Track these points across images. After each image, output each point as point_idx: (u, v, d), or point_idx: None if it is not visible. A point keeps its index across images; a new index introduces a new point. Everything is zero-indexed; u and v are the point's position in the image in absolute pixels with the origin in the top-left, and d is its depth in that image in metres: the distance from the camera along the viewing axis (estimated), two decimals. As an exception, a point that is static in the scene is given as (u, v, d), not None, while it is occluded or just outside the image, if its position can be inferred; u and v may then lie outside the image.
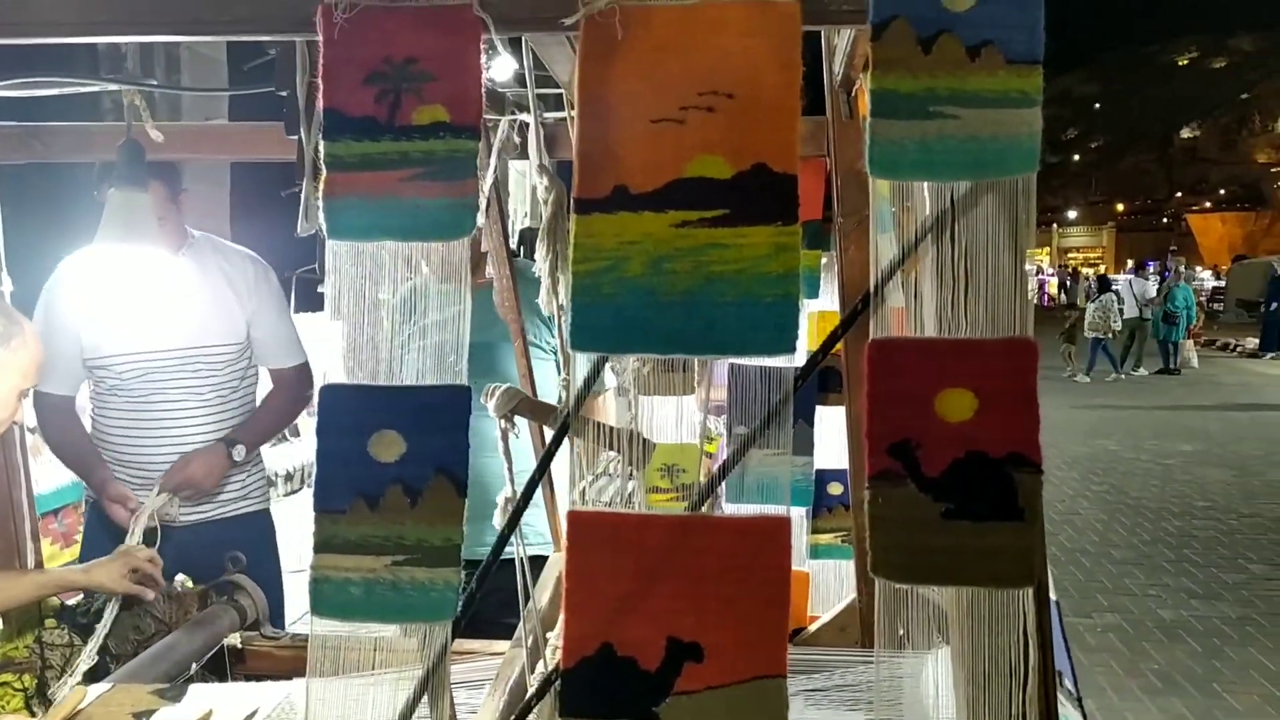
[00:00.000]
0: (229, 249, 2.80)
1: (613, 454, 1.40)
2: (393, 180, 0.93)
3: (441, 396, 0.94)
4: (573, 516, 0.90)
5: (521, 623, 1.56)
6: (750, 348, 0.88)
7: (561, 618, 0.89)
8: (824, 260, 2.38)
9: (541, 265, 1.38)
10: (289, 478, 4.62)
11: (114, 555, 2.10)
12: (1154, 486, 8.74)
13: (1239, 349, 20.70)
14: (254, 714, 1.73)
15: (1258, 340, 20.28)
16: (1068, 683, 1.23)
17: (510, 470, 1.66)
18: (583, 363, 1.19)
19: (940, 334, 0.92)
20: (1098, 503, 8.14)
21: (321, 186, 0.93)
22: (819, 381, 2.30)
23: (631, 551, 0.90)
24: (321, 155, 0.94)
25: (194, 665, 2.00)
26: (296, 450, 4.63)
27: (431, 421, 0.94)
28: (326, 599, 0.92)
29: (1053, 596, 1.05)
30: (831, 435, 2.34)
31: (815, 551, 2.37)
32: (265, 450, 4.23)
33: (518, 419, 1.63)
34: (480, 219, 1.84)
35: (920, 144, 0.87)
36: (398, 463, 0.93)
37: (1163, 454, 10.13)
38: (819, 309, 2.43)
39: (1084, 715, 1.09)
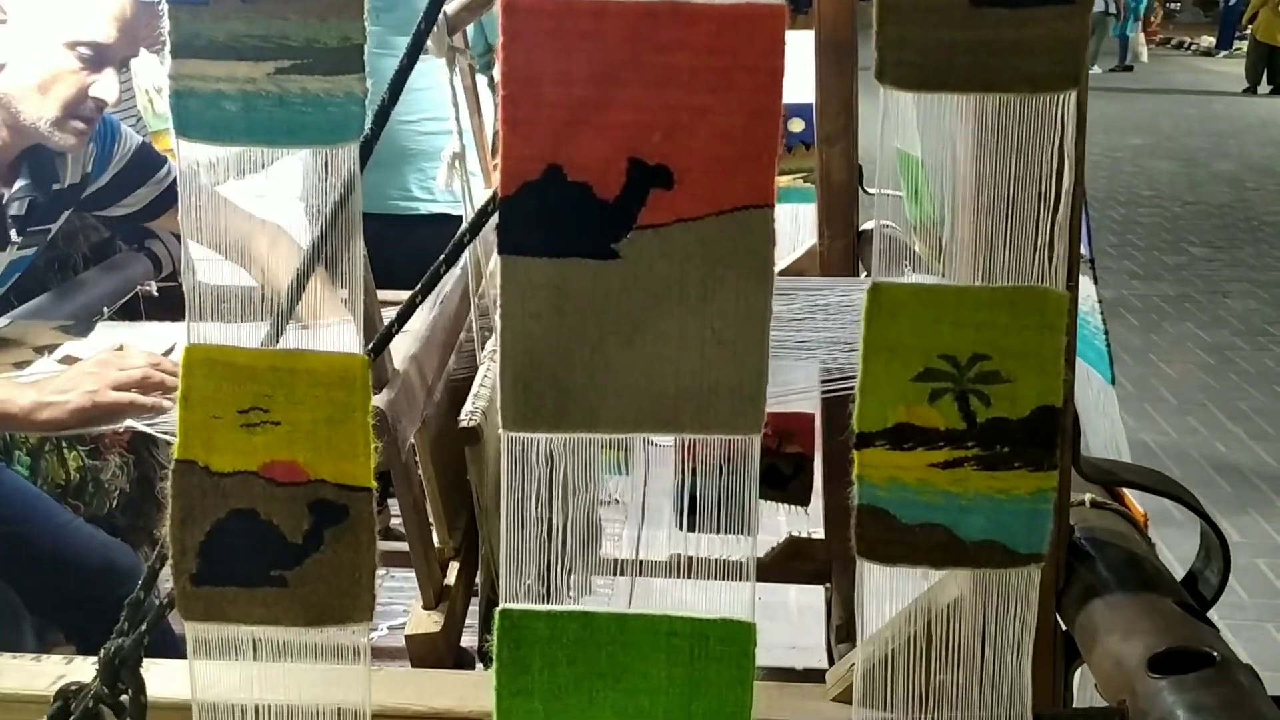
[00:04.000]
0: None
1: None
2: None
3: None
4: (508, 3, 0.70)
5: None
6: None
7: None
8: None
9: None
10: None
11: None
12: (1102, 178, 8.69)
13: (1194, 47, 20.28)
14: (171, 349, 1.59)
15: (1214, 39, 19.83)
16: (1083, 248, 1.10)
17: (458, 117, 1.45)
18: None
19: None
20: (1045, 194, 8.10)
21: None
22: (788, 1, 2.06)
23: (584, 48, 0.71)
24: None
25: (105, 309, 1.84)
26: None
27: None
28: (194, 117, 0.73)
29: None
30: (798, 65, 2.13)
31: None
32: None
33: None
34: None
35: None
36: (275, -61, 0.71)
37: (1112, 147, 10.03)
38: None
39: (1095, 280, 0.97)
